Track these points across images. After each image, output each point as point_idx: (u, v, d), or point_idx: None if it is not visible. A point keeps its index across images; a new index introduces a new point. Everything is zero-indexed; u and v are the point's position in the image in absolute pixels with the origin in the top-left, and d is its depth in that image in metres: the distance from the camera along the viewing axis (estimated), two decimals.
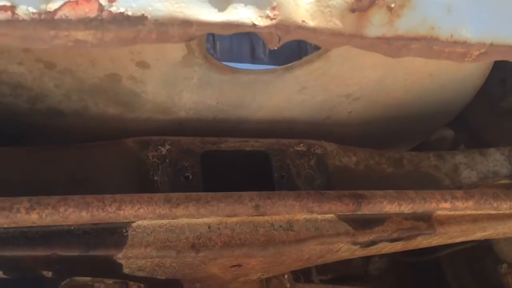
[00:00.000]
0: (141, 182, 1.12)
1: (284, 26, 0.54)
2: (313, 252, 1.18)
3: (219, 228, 1.08)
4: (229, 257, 1.10)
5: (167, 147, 1.16)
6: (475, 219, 1.28)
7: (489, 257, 2.05)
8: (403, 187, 1.29)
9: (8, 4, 0.49)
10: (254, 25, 0.53)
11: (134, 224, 1.01)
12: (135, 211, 0.91)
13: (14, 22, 0.49)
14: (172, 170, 1.14)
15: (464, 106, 1.54)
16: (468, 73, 1.40)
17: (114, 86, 1.09)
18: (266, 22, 0.54)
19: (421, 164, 1.31)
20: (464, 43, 0.62)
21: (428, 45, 0.60)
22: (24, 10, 0.49)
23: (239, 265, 1.15)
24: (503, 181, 1.42)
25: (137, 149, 1.14)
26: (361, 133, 1.46)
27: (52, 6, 0.49)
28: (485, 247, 2.04)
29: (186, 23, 0.52)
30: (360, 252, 1.27)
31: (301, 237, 1.13)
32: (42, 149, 1.10)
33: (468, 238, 1.40)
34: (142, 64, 1.04)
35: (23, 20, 0.49)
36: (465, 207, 1.13)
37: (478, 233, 1.37)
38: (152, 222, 1.01)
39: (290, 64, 1.13)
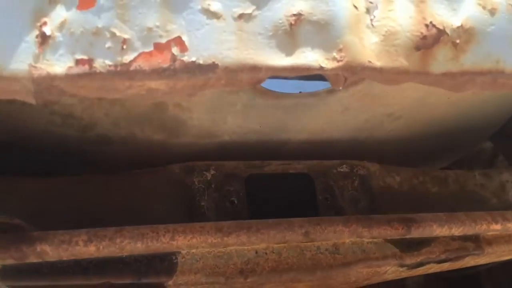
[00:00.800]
0: (188, 208, 1.13)
1: (350, 67, 0.54)
2: (360, 275, 1.17)
3: (266, 253, 1.08)
4: (276, 282, 1.10)
5: (212, 172, 1.17)
6: None
7: None
8: (449, 206, 1.27)
9: (86, 57, 0.50)
10: (321, 67, 0.54)
11: (183, 251, 1.01)
12: (188, 241, 0.92)
13: (91, 74, 0.50)
14: (217, 195, 1.15)
15: (507, 119, 1.51)
16: None
17: (161, 114, 1.11)
18: (333, 65, 0.54)
19: (467, 183, 1.29)
20: None
21: (493, 78, 0.60)
22: (101, 63, 0.50)
23: None
24: None
25: (183, 175, 1.15)
26: (402, 150, 1.45)
27: (127, 58, 0.51)
28: None
29: (255, 68, 0.53)
30: (406, 273, 1.25)
31: (348, 260, 1.12)
32: (91, 178, 1.12)
33: None
34: None
35: (100, 73, 0.50)
36: None
37: None
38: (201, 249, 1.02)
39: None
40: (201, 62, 0.52)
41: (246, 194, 1.17)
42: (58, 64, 0.49)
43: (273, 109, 1.15)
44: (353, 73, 0.54)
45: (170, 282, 1.02)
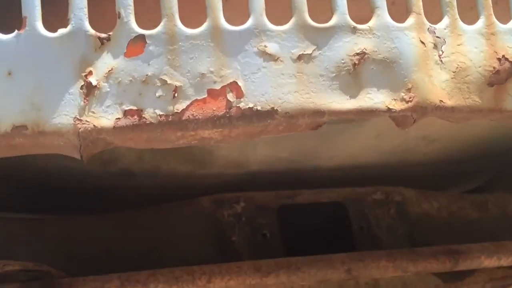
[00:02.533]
0: (219, 243, 1.08)
1: (420, 108, 0.49)
2: None
3: None
4: None
5: (242, 204, 1.12)
6: None
7: None
8: (491, 232, 1.21)
9: (135, 108, 0.46)
10: (389, 109, 0.49)
11: None
12: (225, 283, 0.87)
13: (141, 126, 0.46)
14: (249, 229, 1.10)
15: None
16: None
17: (188, 146, 1.06)
18: (402, 106, 0.49)
19: (508, 206, 1.23)
20: None
21: None
22: (151, 113, 0.46)
23: None
24: None
25: (213, 208, 1.10)
26: (436, 173, 1.39)
27: (179, 107, 0.46)
28: None
29: (318, 113, 0.48)
30: None
31: None
32: (118, 215, 1.08)
33: None
34: None
35: (151, 123, 0.46)
36: None
37: None
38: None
39: None
40: (258, 108, 0.47)
41: (278, 226, 1.12)
42: (105, 116, 0.45)
43: (304, 137, 1.11)
44: (423, 114, 0.50)
45: None
